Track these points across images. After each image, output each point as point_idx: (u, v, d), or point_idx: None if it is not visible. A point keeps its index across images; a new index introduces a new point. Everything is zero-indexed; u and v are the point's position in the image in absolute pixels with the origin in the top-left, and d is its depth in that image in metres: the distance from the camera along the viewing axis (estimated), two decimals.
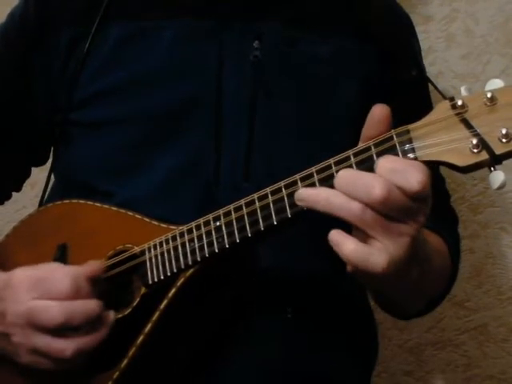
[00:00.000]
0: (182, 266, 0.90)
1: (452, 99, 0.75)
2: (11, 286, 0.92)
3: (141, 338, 0.91)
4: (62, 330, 0.88)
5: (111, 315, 0.92)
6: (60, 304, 0.88)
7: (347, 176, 0.76)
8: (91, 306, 0.90)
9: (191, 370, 0.96)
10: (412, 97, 1.09)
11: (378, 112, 0.79)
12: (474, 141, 0.72)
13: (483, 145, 0.72)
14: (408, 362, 1.59)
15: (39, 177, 1.15)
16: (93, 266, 0.94)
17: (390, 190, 0.73)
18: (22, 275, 0.92)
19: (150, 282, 0.92)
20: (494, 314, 1.50)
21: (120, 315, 0.94)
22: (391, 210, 0.74)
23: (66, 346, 0.89)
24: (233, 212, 0.86)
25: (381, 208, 0.74)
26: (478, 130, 0.72)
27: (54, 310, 0.88)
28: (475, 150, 0.72)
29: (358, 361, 1.08)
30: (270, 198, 0.83)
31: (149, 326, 0.91)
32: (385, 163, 0.74)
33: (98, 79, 1.04)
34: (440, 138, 0.74)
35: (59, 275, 0.91)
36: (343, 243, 0.75)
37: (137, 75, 1.03)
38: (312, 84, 1.05)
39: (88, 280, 0.92)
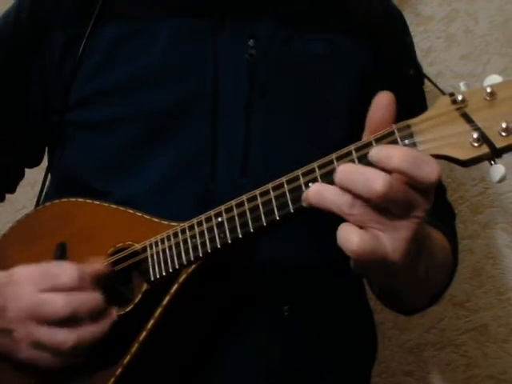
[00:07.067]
0: (184, 263, 0.90)
1: (452, 94, 0.75)
2: (13, 283, 0.92)
3: (143, 334, 0.91)
4: (65, 321, 0.88)
5: (113, 311, 0.92)
6: (66, 296, 0.89)
7: (347, 170, 0.75)
8: (96, 297, 0.90)
9: (190, 368, 0.97)
10: (407, 95, 1.09)
11: (383, 98, 0.79)
12: (475, 135, 0.72)
13: (484, 139, 0.72)
14: (408, 362, 1.59)
15: (39, 177, 1.15)
16: (97, 264, 0.94)
17: (392, 185, 0.72)
18: (24, 271, 0.92)
19: (152, 278, 0.92)
20: (494, 314, 1.50)
21: (121, 312, 0.94)
22: (393, 204, 0.74)
23: (66, 337, 0.88)
24: (235, 208, 0.86)
25: (381, 202, 0.73)
26: (479, 124, 0.73)
27: (60, 303, 0.88)
28: (476, 144, 0.72)
29: (356, 359, 1.08)
30: (272, 194, 0.83)
31: (151, 322, 0.91)
32: (399, 153, 0.73)
33: (93, 80, 1.04)
34: (441, 133, 0.74)
35: (64, 268, 0.91)
36: (348, 236, 0.74)
37: (133, 75, 1.03)
38: (307, 81, 1.05)
39: (92, 276, 0.92)
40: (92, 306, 0.89)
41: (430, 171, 0.72)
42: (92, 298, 0.90)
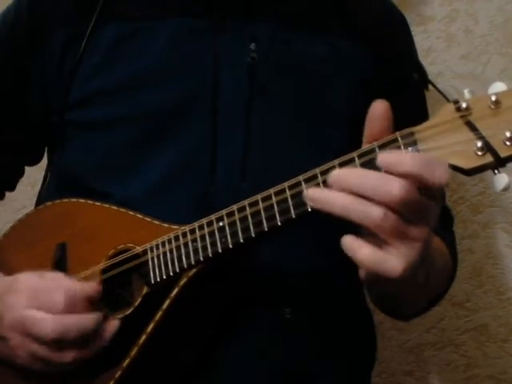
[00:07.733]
0: (185, 266, 0.89)
1: (456, 102, 0.75)
2: (12, 290, 0.92)
3: (143, 337, 0.91)
4: (56, 342, 0.88)
5: (115, 324, 0.92)
6: (53, 318, 0.88)
7: (361, 174, 0.75)
8: (85, 321, 0.90)
9: (192, 371, 0.96)
10: (408, 97, 1.09)
11: (378, 108, 0.78)
12: (479, 143, 0.72)
13: (488, 147, 0.72)
14: (408, 362, 1.59)
15: (39, 176, 1.15)
16: (91, 286, 0.93)
17: (408, 188, 0.72)
18: (25, 282, 0.92)
19: (153, 281, 0.92)
20: (494, 314, 1.50)
21: (121, 315, 0.94)
22: (408, 211, 0.73)
23: (63, 356, 0.89)
24: (236, 213, 0.85)
25: (399, 208, 0.73)
26: (483, 133, 0.72)
27: (46, 325, 0.88)
28: (480, 153, 0.72)
29: (357, 361, 1.08)
30: (274, 199, 0.82)
31: (151, 326, 0.91)
32: (409, 158, 0.73)
33: (93, 80, 1.04)
34: (445, 141, 0.74)
35: (56, 288, 0.91)
36: (358, 249, 0.74)
37: (133, 75, 1.03)
38: (307, 82, 1.05)
39: (84, 298, 0.92)
40: (81, 329, 0.89)
41: (441, 173, 0.72)
42: (81, 320, 0.90)
